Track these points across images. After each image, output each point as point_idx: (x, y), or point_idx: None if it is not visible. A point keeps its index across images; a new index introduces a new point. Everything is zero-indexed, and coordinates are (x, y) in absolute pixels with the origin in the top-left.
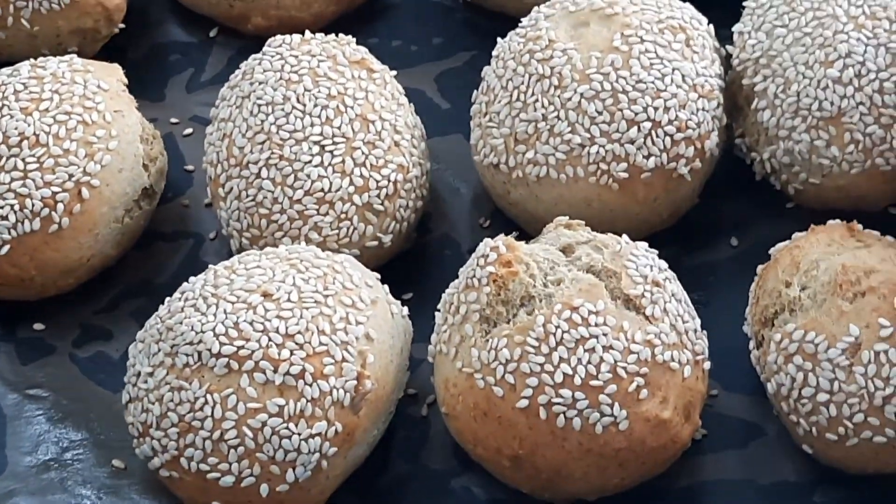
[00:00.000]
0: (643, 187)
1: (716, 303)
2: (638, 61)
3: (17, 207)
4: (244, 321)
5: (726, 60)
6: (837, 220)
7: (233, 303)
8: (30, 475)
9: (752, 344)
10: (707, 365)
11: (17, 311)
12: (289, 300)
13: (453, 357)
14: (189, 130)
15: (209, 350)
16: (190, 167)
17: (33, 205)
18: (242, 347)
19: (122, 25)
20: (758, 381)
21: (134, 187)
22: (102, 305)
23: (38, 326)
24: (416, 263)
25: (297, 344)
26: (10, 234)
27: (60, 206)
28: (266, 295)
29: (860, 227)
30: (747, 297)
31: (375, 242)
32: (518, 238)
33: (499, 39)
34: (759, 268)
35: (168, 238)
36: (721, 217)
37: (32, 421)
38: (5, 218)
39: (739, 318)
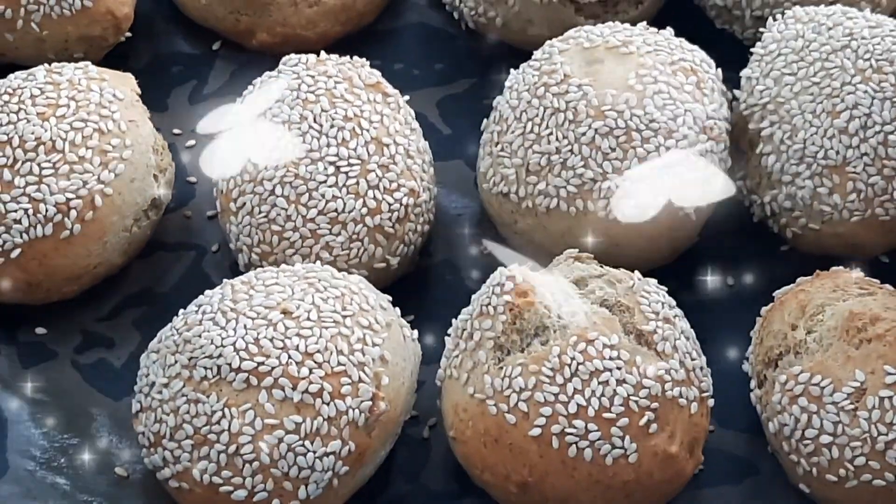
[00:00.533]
0: (650, 224)
1: (711, 340)
2: (652, 101)
3: (30, 212)
4: (264, 338)
5: (730, 104)
6: (840, 267)
7: (253, 319)
8: (31, 480)
9: (752, 383)
10: (711, 402)
11: (18, 315)
12: (308, 319)
13: (465, 382)
14: (192, 142)
15: (229, 365)
16: (192, 178)
17: (47, 210)
18: (262, 364)
19: (127, 34)
20: (752, 419)
21: (144, 197)
22: (104, 313)
23: (39, 331)
24: (417, 287)
25: (315, 363)
26: (21, 238)
27: (73, 213)
28: (286, 312)
29: (862, 274)
30: (742, 335)
31: (384, 264)
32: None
33: (512, 71)
34: (764, 309)
35: (170, 248)
36: (718, 256)
37: (34, 425)
38: (18, 222)
39: (735, 356)
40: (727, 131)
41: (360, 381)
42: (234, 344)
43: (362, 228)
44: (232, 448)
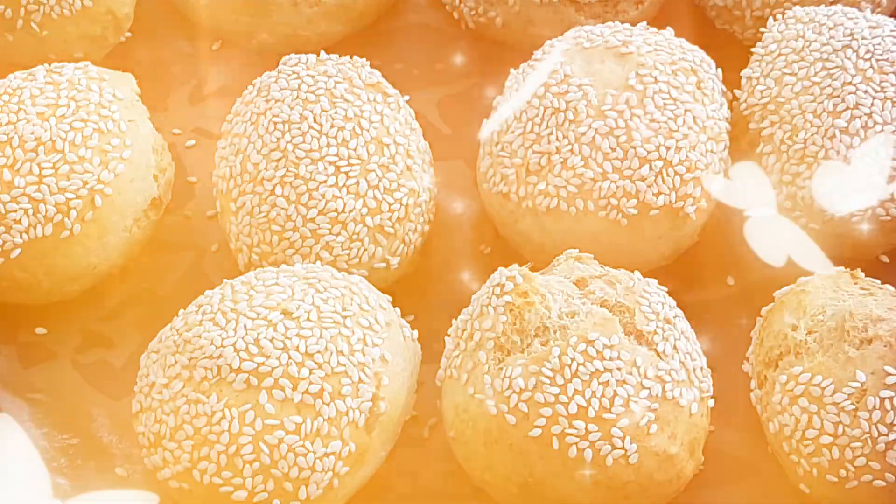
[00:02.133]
0: (651, 224)
1: (711, 340)
2: (652, 101)
3: (30, 212)
4: (265, 338)
5: (730, 104)
6: (841, 267)
7: (253, 319)
8: None
9: (752, 383)
10: (711, 402)
11: (18, 315)
12: (308, 319)
13: (465, 382)
14: (191, 142)
15: (229, 365)
16: (192, 178)
17: (47, 210)
18: (263, 364)
19: (127, 34)
20: (752, 419)
21: (144, 197)
22: (104, 313)
23: (40, 331)
24: (416, 287)
25: (316, 363)
26: (21, 237)
27: (73, 213)
28: (286, 313)
29: (863, 274)
30: (742, 335)
31: (384, 264)
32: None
33: (511, 70)
34: (764, 309)
35: (170, 248)
36: (718, 256)
37: (34, 425)
38: (18, 222)
39: (734, 356)
40: (727, 131)
41: (361, 381)
42: (234, 344)
43: (362, 228)
44: (232, 448)
